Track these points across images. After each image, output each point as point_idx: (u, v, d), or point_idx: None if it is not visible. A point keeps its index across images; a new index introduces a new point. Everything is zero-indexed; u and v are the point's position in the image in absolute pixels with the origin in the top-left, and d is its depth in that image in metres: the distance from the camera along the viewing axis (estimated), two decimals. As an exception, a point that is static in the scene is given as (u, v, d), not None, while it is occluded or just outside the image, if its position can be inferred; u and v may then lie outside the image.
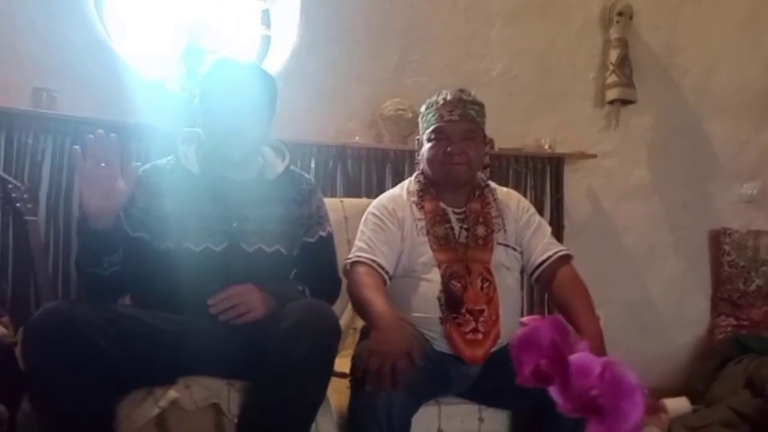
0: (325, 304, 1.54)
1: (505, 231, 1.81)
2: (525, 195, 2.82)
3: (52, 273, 2.13)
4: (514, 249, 1.81)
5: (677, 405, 2.66)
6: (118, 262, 1.51)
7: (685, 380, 2.99)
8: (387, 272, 1.72)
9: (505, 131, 2.85)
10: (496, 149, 2.76)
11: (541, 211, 2.83)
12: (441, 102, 1.78)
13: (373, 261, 1.70)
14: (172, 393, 1.45)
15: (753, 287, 2.94)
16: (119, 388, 1.43)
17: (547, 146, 2.88)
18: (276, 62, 2.79)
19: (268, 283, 1.58)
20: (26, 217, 1.89)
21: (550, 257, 1.79)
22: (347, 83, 2.81)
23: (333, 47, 2.79)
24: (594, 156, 2.94)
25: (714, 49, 3.06)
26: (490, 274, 1.74)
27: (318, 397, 1.46)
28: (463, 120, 1.76)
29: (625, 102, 2.97)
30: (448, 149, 1.75)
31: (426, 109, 1.82)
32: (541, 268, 1.80)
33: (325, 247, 1.77)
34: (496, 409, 1.73)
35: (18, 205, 1.90)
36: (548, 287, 1.80)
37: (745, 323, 2.92)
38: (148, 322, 1.47)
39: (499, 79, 2.97)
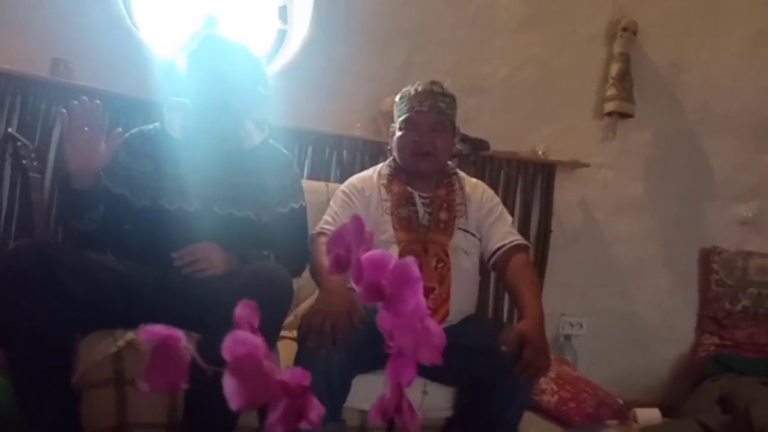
0: (281, 269, 1.62)
1: (466, 217, 1.90)
2: (514, 199, 2.91)
3: (54, 231, 2.29)
4: (474, 235, 1.90)
5: (648, 415, 2.68)
6: (98, 218, 1.65)
7: (665, 395, 3.00)
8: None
9: (503, 135, 2.94)
10: (491, 151, 2.85)
11: (528, 216, 2.92)
12: (413, 93, 1.88)
13: (335, 233, 1.81)
14: (131, 334, 1.58)
15: (739, 307, 2.94)
16: (82, 327, 1.57)
17: (540, 152, 2.95)
18: (286, 55, 2.94)
19: (234, 245, 1.70)
20: (30, 174, 2.06)
21: (505, 245, 1.87)
22: (352, 79, 2.93)
23: (341, 44, 2.91)
24: (587, 165, 2.99)
25: (718, 71, 3.09)
26: (447, 255, 1.83)
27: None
28: (432, 111, 1.86)
29: (622, 115, 3.02)
30: (416, 139, 1.86)
31: (400, 98, 1.93)
32: (496, 255, 1.88)
33: (297, 218, 1.88)
34: (440, 385, 1.81)
35: (24, 162, 2.07)
36: (502, 273, 1.88)
37: (729, 343, 2.92)
38: (118, 270, 1.60)
39: (501, 84, 3.05)
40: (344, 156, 2.76)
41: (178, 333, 0.56)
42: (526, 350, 1.61)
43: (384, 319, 0.66)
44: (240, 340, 0.54)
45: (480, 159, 2.83)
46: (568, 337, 3.05)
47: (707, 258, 3.06)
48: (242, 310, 0.57)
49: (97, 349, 1.55)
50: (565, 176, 3.04)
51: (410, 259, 0.65)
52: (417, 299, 0.63)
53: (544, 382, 2.36)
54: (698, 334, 3.04)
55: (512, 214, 2.83)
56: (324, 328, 1.53)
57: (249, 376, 0.53)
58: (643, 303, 3.11)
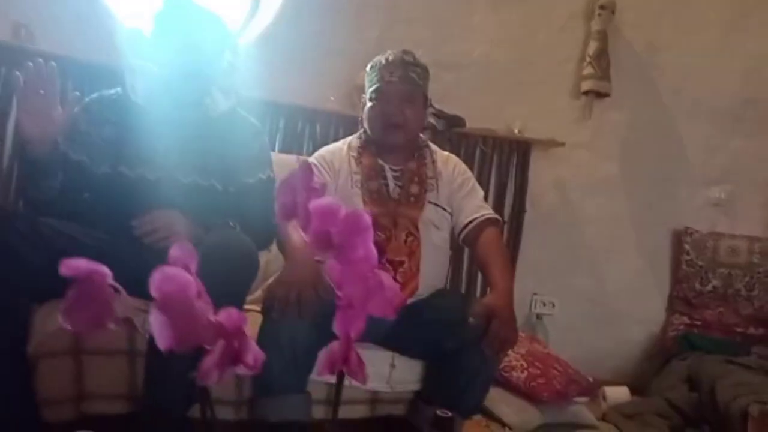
0: (246, 240, 1.57)
1: (437, 191, 1.88)
2: (489, 177, 2.90)
3: (14, 198, 2.22)
4: (445, 209, 1.88)
5: (617, 393, 2.70)
6: (57, 186, 1.59)
7: (635, 375, 3.03)
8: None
9: (479, 113, 2.91)
10: (467, 128, 2.82)
11: (503, 195, 2.90)
12: (383, 62, 1.84)
13: (302, 205, 1.78)
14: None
15: (709, 288, 2.97)
16: (38, 295, 1.51)
17: (516, 130, 2.93)
18: (259, 27, 2.87)
19: (198, 215, 1.65)
20: (-13, 139, 1.99)
21: (477, 218, 1.85)
22: (326, 53, 2.86)
23: (315, 17, 2.85)
24: (562, 144, 2.98)
25: (693, 54, 3.08)
26: (417, 229, 1.80)
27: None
28: (403, 82, 1.82)
29: (599, 94, 3.01)
30: (386, 111, 1.82)
31: (370, 68, 1.88)
32: (467, 228, 1.86)
33: (264, 189, 1.83)
34: (408, 358, 1.80)
35: (-18, 127, 1.99)
36: (473, 247, 1.86)
37: (698, 323, 2.95)
38: (74, 237, 1.54)
39: (478, 61, 3.01)
40: (318, 130, 2.71)
41: (104, 269, 0.52)
42: (494, 323, 1.60)
43: (333, 269, 0.63)
44: (169, 276, 0.50)
45: (455, 136, 2.81)
46: (539, 317, 3.06)
47: (679, 239, 3.08)
48: (177, 251, 0.53)
49: (53, 320, 1.50)
50: (540, 155, 3.02)
51: (361, 212, 0.62)
52: (367, 248, 0.61)
53: (514, 359, 2.36)
54: (668, 315, 3.06)
55: (487, 193, 2.84)
56: (289, 298, 1.50)
57: (178, 314, 0.50)
58: (615, 283, 3.13)
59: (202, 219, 1.64)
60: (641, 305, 3.11)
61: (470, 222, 1.86)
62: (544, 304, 3.08)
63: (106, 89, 2.37)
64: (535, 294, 3.09)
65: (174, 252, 0.55)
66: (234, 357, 0.55)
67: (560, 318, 3.09)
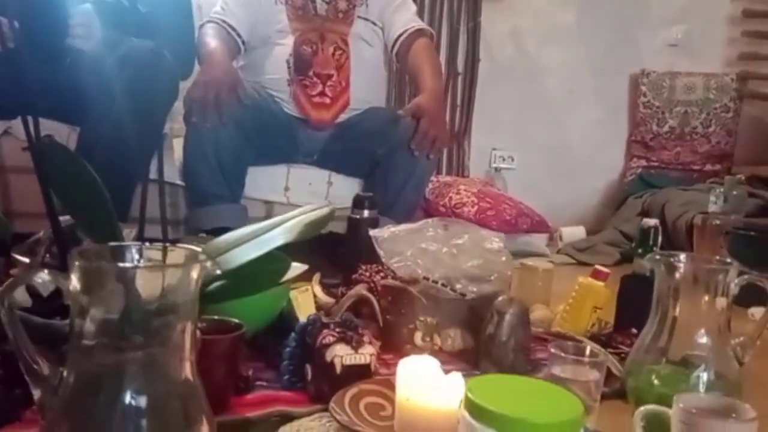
0: (162, 53, 1.53)
1: (367, 6, 1.82)
2: (440, 21, 2.81)
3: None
4: (375, 23, 1.82)
5: (573, 232, 2.74)
6: None
7: (594, 222, 3.06)
8: (238, 33, 1.74)
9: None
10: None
11: (456, 40, 2.83)
12: None
13: (224, 21, 1.72)
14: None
15: (666, 128, 2.96)
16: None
17: (466, -25, 2.83)
18: None
19: (108, 37, 1.58)
20: None
21: (407, 30, 1.81)
22: None
23: None
24: (514, -14, 2.89)
25: None
26: (345, 44, 1.76)
27: (146, 136, 1.46)
28: None
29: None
30: None
31: None
32: (399, 41, 1.82)
33: (180, 6, 1.74)
34: (345, 176, 1.79)
35: None
36: (404, 59, 1.83)
37: (655, 164, 2.96)
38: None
39: None
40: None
41: None
42: (423, 121, 1.58)
43: None
44: None
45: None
46: (498, 170, 3.06)
47: (636, 82, 3.04)
48: None
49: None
50: (494, 5, 2.93)
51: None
52: None
53: (465, 196, 2.37)
54: (627, 160, 3.06)
55: (438, 42, 2.77)
56: (207, 99, 1.47)
57: None
58: (575, 134, 3.10)
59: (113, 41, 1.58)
60: (601, 154, 3.10)
61: (401, 35, 1.81)
62: (503, 159, 3.08)
63: None
64: (494, 149, 3.08)
65: None
66: None
67: (519, 172, 3.09)
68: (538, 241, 2.44)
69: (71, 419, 0.51)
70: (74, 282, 0.50)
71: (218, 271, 0.57)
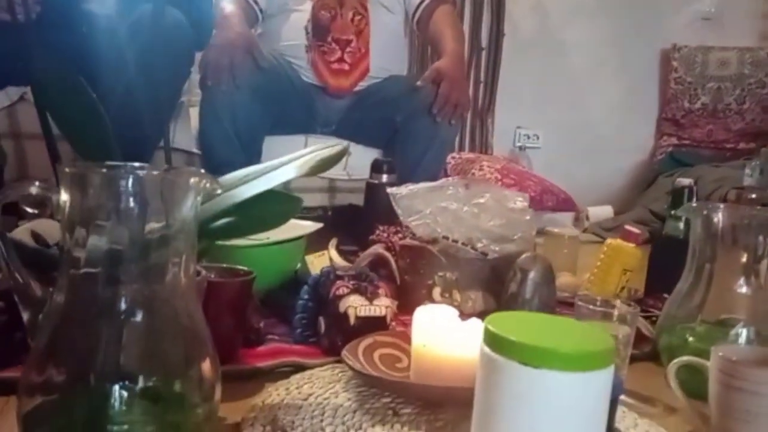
0: (183, 21, 1.50)
1: (387, -28, 1.77)
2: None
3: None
4: (395, -11, 1.78)
5: (600, 211, 2.66)
6: None
7: (621, 202, 2.97)
8: (255, 1, 1.71)
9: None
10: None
11: (480, 14, 2.77)
12: None
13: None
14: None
15: (698, 105, 2.85)
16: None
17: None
18: None
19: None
20: None
21: (428, -3, 1.76)
22: None
23: None
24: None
25: None
26: (365, 9, 1.71)
27: (160, 103, 1.42)
28: None
29: None
30: None
31: None
32: (421, 7, 1.77)
33: None
34: (365, 147, 1.75)
35: None
36: (425, 27, 1.77)
37: (686, 142, 2.86)
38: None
39: None
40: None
41: None
42: (443, 85, 1.53)
43: None
44: None
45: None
46: (523, 149, 2.99)
47: (667, 57, 2.94)
48: None
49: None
50: (518, -22, 2.86)
51: None
52: None
53: (488, 172, 2.31)
54: (656, 138, 2.97)
55: (462, 15, 2.71)
56: (221, 61, 1.44)
57: None
58: (601, 112, 3.02)
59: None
60: (628, 132, 3.01)
61: (422, 1, 1.76)
62: (528, 137, 3.01)
63: None
64: (518, 127, 3.01)
65: None
66: None
67: (545, 150, 3.01)
68: (564, 219, 2.37)
69: (60, 344, 0.48)
70: (63, 194, 0.47)
71: (218, 191, 0.53)
